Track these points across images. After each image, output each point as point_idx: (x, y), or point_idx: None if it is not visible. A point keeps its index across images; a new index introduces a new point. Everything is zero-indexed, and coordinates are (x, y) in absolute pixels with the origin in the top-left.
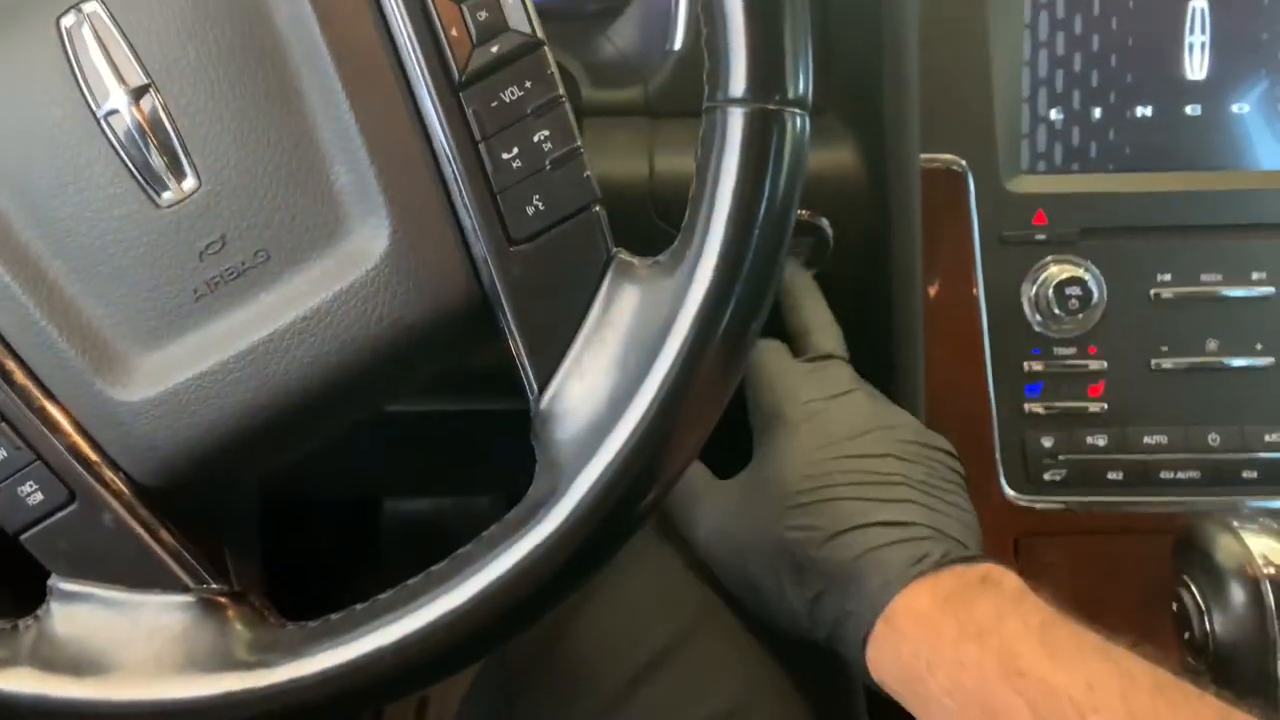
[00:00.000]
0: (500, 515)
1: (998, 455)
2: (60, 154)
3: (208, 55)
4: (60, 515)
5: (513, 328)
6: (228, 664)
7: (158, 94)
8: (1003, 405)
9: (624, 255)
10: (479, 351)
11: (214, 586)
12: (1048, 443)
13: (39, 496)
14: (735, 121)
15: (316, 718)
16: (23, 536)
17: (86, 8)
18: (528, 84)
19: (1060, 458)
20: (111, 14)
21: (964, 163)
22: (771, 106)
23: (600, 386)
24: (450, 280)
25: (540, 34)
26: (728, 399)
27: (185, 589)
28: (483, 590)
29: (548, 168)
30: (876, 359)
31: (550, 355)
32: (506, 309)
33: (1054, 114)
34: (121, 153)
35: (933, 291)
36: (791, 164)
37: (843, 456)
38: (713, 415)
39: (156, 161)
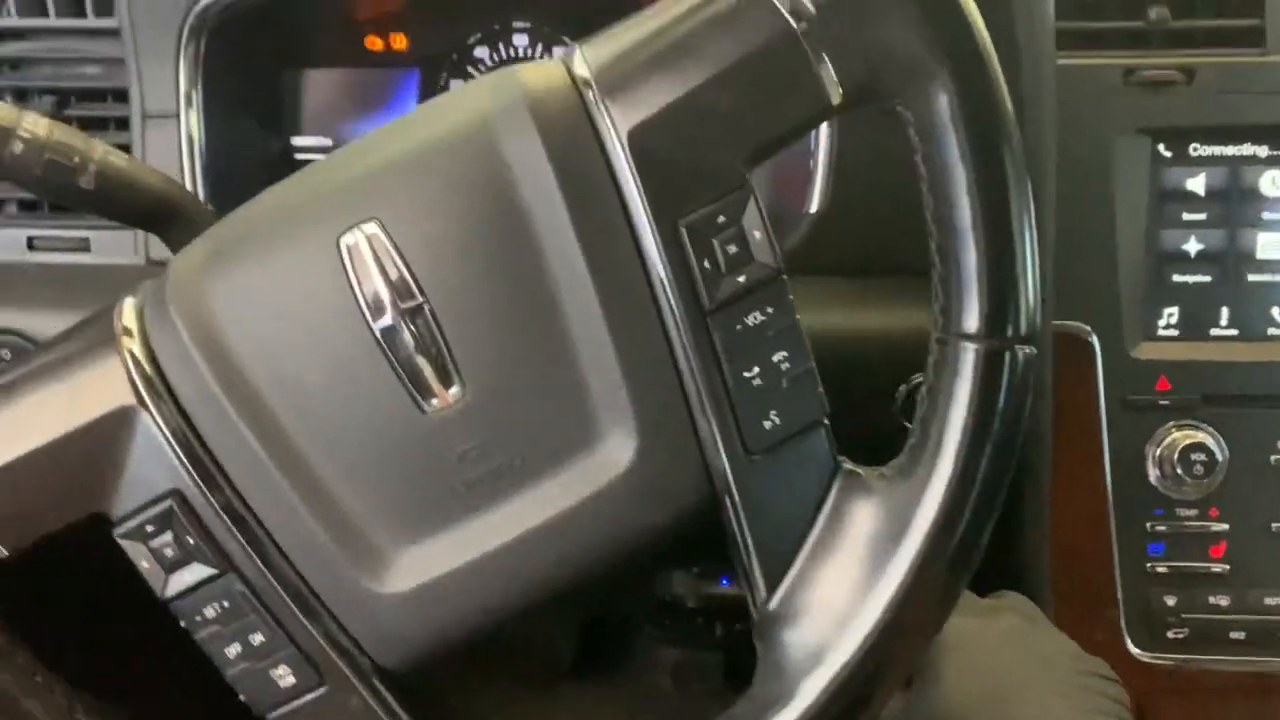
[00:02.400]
0: None
1: (1122, 613)
2: (335, 362)
3: (477, 274)
4: (309, 698)
5: (744, 533)
6: None
7: (430, 310)
8: (1127, 564)
9: (849, 465)
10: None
11: None
12: (1171, 601)
13: (290, 679)
14: (968, 356)
15: None
16: (269, 716)
17: (366, 228)
18: (769, 310)
19: (1183, 616)
20: (389, 234)
21: (1090, 330)
22: (1003, 344)
23: (828, 596)
24: (689, 487)
25: (781, 264)
26: (948, 616)
27: None
28: None
29: (784, 385)
30: (1005, 520)
31: (779, 561)
32: (739, 515)
33: (1176, 280)
34: (394, 364)
35: (1059, 453)
36: (1020, 396)
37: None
38: (933, 631)
39: (426, 372)
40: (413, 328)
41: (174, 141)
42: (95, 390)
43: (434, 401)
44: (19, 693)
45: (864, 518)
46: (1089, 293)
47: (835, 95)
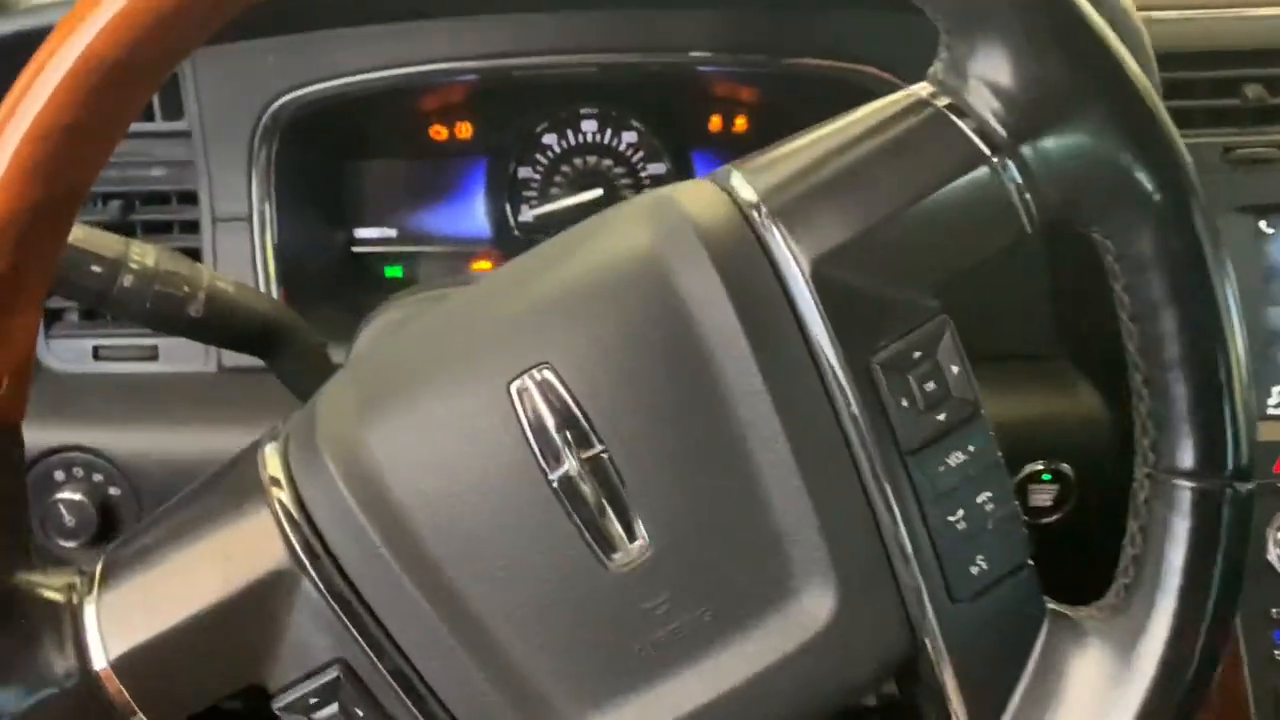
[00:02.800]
0: None
1: (1250, 701)
2: (510, 515)
3: (658, 417)
4: None
5: (952, 682)
6: None
7: (609, 457)
8: (1253, 652)
9: (1055, 607)
10: None
11: None
12: None
13: None
14: (1184, 495)
15: None
16: None
17: (537, 374)
18: (970, 448)
19: None
20: (562, 379)
21: None
22: (1221, 483)
23: None
24: (891, 640)
25: (980, 399)
26: None
27: None
28: None
29: (990, 527)
30: None
31: (989, 709)
32: (946, 664)
33: None
34: (573, 516)
35: None
36: (1239, 534)
37: None
38: None
39: (607, 524)
40: (592, 477)
41: (245, 244)
42: (247, 551)
43: (617, 555)
44: None
45: (1080, 663)
46: None
47: (1030, 224)
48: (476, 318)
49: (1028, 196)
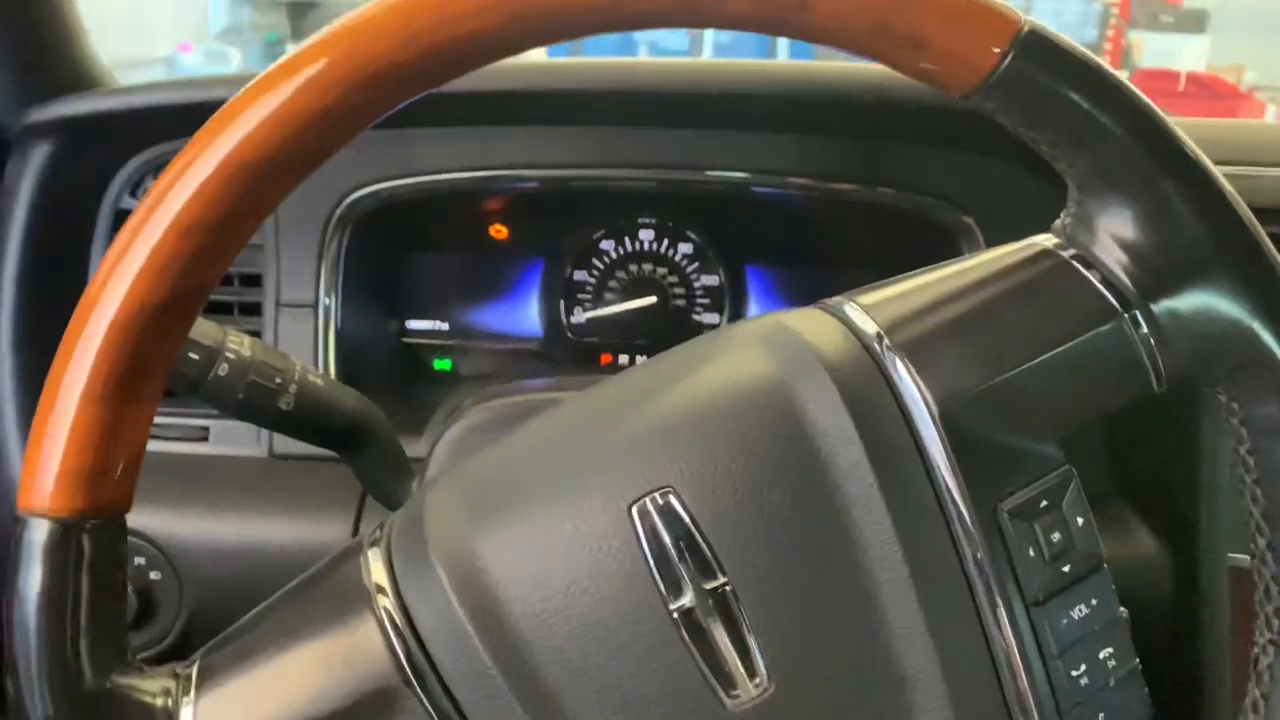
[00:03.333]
0: None
1: None
2: (627, 641)
3: (783, 552)
4: None
5: None
6: None
7: (731, 590)
8: None
9: None
10: None
11: None
12: None
13: None
14: None
15: None
16: None
17: (659, 498)
18: (1094, 602)
19: None
20: (685, 504)
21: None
22: None
23: None
24: None
25: (1103, 553)
26: None
27: None
28: None
29: (1111, 685)
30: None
31: None
32: None
33: None
34: (693, 649)
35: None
36: None
37: None
38: None
39: (729, 661)
40: (715, 612)
41: (309, 331)
42: (352, 662)
43: (736, 693)
44: None
45: None
46: None
47: (1158, 382)
48: (593, 434)
49: (1157, 354)
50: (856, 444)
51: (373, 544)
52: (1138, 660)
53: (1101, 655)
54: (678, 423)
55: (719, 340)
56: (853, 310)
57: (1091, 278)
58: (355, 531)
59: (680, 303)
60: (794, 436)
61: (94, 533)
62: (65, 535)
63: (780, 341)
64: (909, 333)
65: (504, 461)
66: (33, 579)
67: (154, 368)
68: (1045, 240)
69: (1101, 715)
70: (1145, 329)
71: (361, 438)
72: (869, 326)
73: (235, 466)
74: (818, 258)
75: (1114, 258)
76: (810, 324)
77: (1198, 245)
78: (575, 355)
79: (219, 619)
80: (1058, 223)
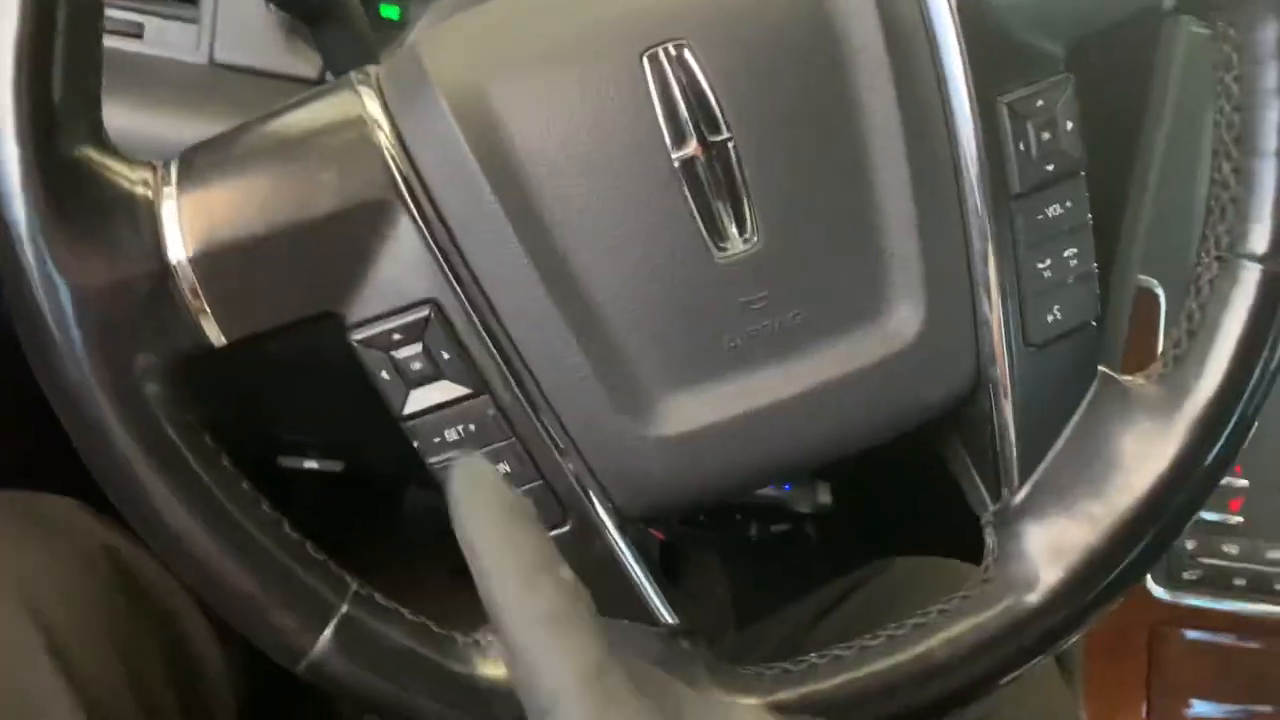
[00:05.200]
0: None
1: None
2: (627, 186)
3: (788, 116)
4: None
5: (1006, 422)
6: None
7: (734, 147)
8: None
9: (1106, 370)
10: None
11: (679, 625)
12: (1190, 545)
13: None
14: (1252, 276)
15: None
16: None
17: (674, 49)
18: (1068, 204)
19: (1199, 560)
20: (699, 60)
21: (1158, 284)
22: None
23: (1078, 491)
24: (964, 370)
25: (1085, 160)
26: (1187, 523)
27: (654, 622)
28: (961, 649)
29: (1070, 281)
30: None
31: (1035, 454)
32: (1006, 404)
33: None
34: (689, 199)
35: None
36: None
37: None
38: (1173, 536)
39: (722, 213)
40: (715, 164)
41: None
42: (346, 176)
43: (725, 245)
44: (229, 502)
45: (1123, 420)
46: (1164, 248)
47: (1169, 1)
48: None
49: None
50: (875, 23)
51: (361, 83)
52: (1096, 265)
53: (1066, 254)
54: None
55: None
56: None
57: None
58: None
59: None
60: (813, 11)
61: None
62: None
63: None
64: None
65: (508, 9)
66: (8, 25)
67: None
68: None
69: (1056, 306)
70: None
71: (332, 7)
72: None
73: (173, 69)
74: None
75: None
76: None
77: None
78: None
79: None
80: None
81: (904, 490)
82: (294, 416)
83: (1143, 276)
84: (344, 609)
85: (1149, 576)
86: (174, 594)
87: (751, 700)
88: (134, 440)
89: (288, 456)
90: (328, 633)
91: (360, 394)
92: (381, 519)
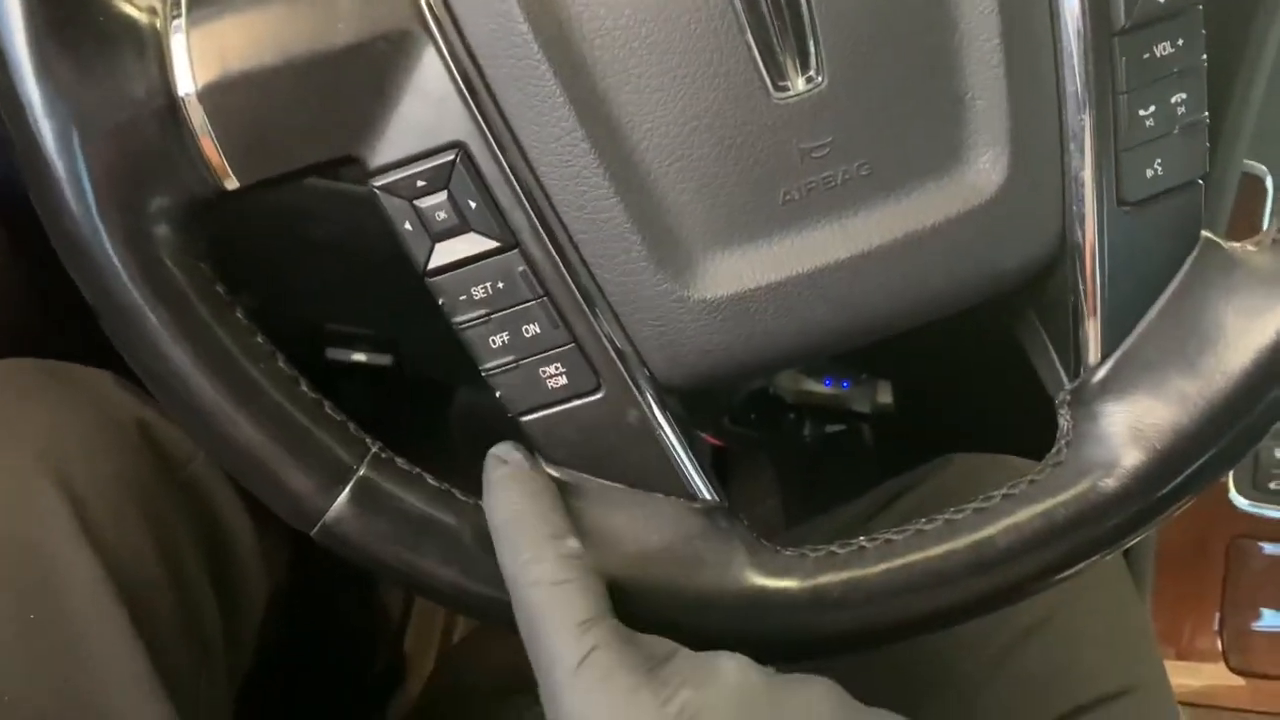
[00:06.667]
0: None
1: None
2: (676, 18)
3: None
4: (579, 403)
5: (1095, 289)
6: (741, 577)
7: None
8: None
9: (1209, 235)
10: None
11: (718, 501)
12: (1278, 453)
13: (562, 380)
14: None
15: (829, 647)
16: (525, 418)
17: None
18: (1180, 42)
19: None
20: None
21: (1266, 171)
22: None
23: (1169, 369)
24: (1047, 230)
25: None
26: None
27: (692, 498)
28: (1025, 536)
29: (1175, 132)
30: None
31: (1120, 325)
32: (1095, 270)
33: None
34: (748, 32)
35: None
36: None
37: None
38: (1272, 418)
39: (783, 49)
40: None
41: None
42: (368, 2)
43: (785, 85)
44: (240, 353)
45: (1225, 290)
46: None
47: None
48: None
49: None
50: None
51: None
52: (1207, 113)
53: (1174, 100)
54: None
55: None
56: None
57: None
58: None
59: None
60: None
61: None
62: None
63: None
64: None
65: None
66: None
67: None
68: None
69: (1159, 160)
70: None
71: None
72: None
73: None
74: None
75: None
76: None
77: None
78: None
79: None
80: None
81: (967, 392)
82: (337, 301)
83: (1249, 161)
84: (361, 471)
85: (1231, 485)
86: (205, 470)
87: (790, 583)
88: (141, 284)
89: (335, 349)
90: (344, 494)
91: (403, 278)
92: (431, 419)
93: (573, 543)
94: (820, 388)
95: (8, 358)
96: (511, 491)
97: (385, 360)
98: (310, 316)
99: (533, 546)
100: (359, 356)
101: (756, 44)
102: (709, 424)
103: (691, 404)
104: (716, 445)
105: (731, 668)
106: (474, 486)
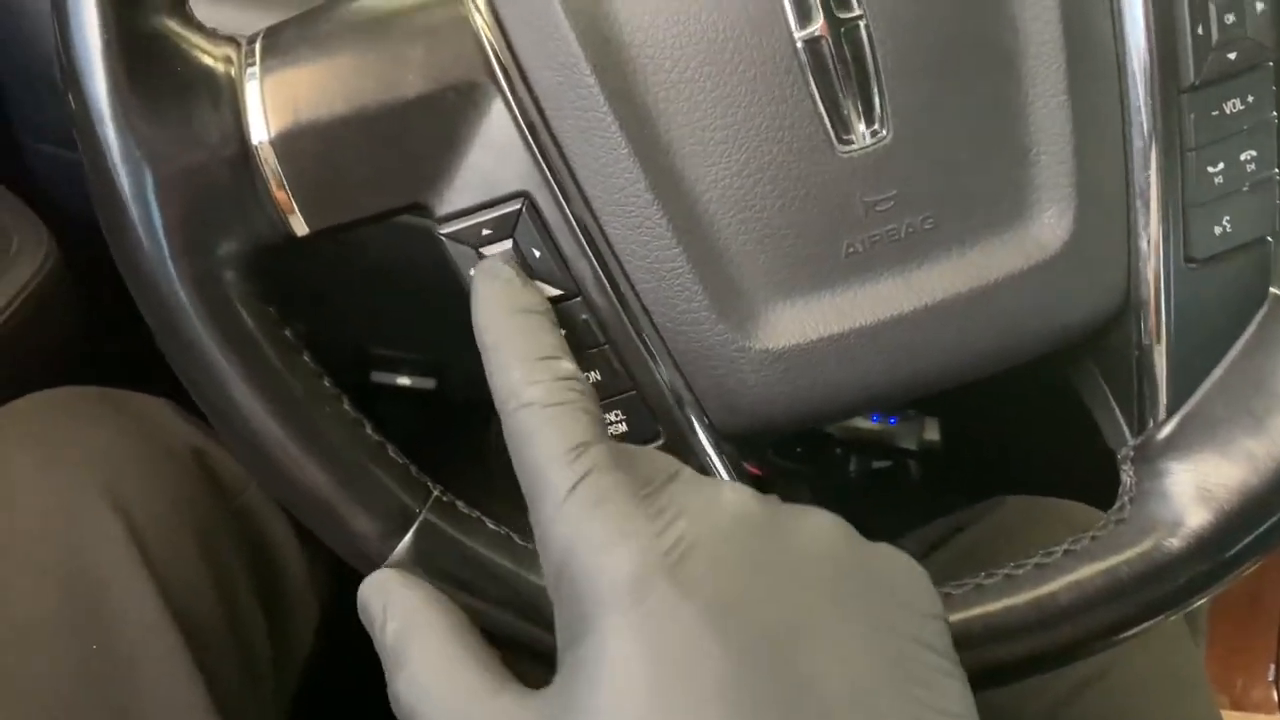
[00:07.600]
0: None
1: None
2: (742, 70)
3: None
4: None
5: (1161, 346)
6: None
7: (866, 26)
8: None
9: (1278, 292)
10: None
11: None
12: None
13: (622, 428)
14: None
15: None
16: None
17: None
18: (1250, 99)
19: None
20: None
21: None
22: None
23: (1235, 424)
24: (1113, 287)
25: (1272, 50)
26: None
27: None
28: (1088, 595)
29: (1245, 189)
30: None
31: (1186, 383)
32: (1161, 326)
33: None
34: (811, 84)
35: None
36: None
37: None
38: None
39: (849, 101)
40: (844, 46)
41: None
42: (437, 56)
43: (850, 139)
44: (306, 397)
45: None
46: None
47: None
48: None
49: None
50: None
51: None
52: (1278, 170)
53: (1243, 157)
54: None
55: None
56: None
57: None
58: None
59: None
60: None
61: None
62: None
63: None
64: None
65: None
66: None
67: None
68: None
69: (1227, 217)
70: None
71: None
72: None
73: None
74: None
75: None
76: None
77: None
78: None
79: None
80: None
81: (1019, 431)
82: (385, 327)
83: None
84: (424, 515)
85: None
86: (258, 499)
87: None
88: (210, 327)
89: (380, 372)
90: (407, 539)
91: (450, 306)
92: (473, 444)
93: (567, 364)
94: (868, 423)
95: (68, 384)
96: (502, 308)
97: (429, 384)
98: (358, 341)
99: (524, 367)
100: (404, 380)
101: (821, 97)
102: (753, 455)
103: (743, 441)
104: (757, 474)
105: (732, 497)
106: (512, 509)
